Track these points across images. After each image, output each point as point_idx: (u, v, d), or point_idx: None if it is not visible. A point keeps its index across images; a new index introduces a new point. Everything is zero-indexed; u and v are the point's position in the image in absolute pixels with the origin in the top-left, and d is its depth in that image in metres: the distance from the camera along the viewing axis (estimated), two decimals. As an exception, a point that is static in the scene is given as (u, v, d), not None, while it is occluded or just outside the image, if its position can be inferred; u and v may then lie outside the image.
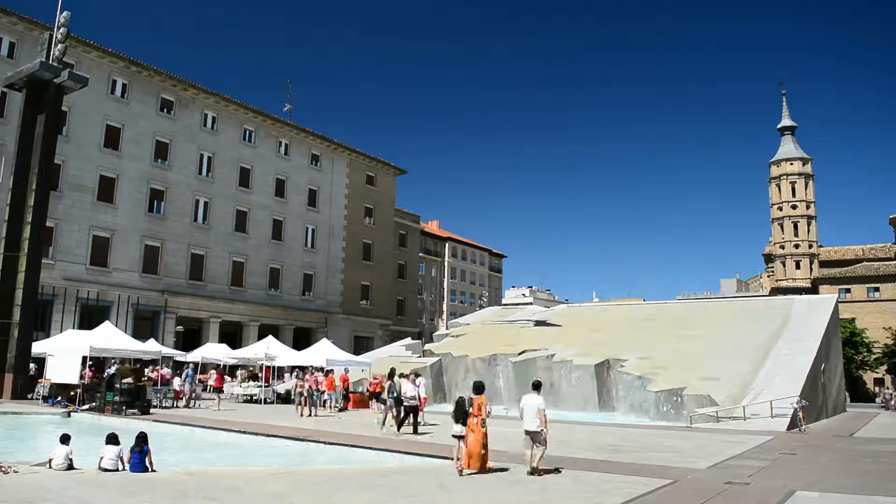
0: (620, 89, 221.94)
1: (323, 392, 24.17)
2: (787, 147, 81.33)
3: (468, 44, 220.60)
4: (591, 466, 11.69)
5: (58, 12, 27.19)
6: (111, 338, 24.83)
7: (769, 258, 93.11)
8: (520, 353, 30.78)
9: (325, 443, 14.97)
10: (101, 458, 10.13)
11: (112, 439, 10.33)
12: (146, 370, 26.34)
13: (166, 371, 27.90)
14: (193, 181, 42.26)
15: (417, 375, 18.78)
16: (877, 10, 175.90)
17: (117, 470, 10.01)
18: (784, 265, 79.46)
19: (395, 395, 17.09)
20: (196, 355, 32.50)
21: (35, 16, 34.63)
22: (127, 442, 10.51)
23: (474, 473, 10.35)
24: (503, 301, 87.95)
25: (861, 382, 67.44)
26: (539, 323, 37.62)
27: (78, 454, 10.42)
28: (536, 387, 10.87)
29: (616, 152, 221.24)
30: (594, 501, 8.55)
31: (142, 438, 10.37)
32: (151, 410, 21.43)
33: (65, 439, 10.30)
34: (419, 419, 17.18)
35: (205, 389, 30.02)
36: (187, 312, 40.41)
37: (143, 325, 37.50)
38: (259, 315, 44.56)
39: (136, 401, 20.85)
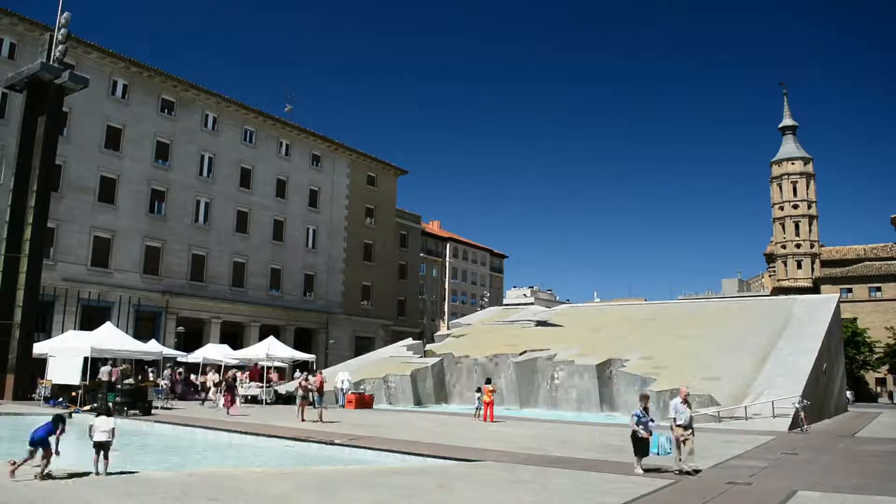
0: (621, 89, 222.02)
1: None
2: (789, 146, 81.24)
3: (469, 44, 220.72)
4: (592, 466, 11.68)
5: (58, 13, 27.22)
6: (112, 338, 24.85)
7: (770, 258, 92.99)
8: (521, 353, 30.77)
9: (325, 443, 14.98)
10: (94, 428, 9.80)
11: (105, 411, 10.36)
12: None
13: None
14: (194, 182, 42.27)
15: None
16: (877, 10, 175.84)
17: (109, 442, 9.72)
18: (785, 265, 79.38)
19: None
20: (197, 356, 32.53)
21: (36, 17, 34.69)
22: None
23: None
24: (504, 301, 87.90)
25: (863, 382, 67.37)
26: (540, 323, 37.64)
27: (81, 455, 10.40)
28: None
29: (616, 152, 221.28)
30: (596, 501, 8.55)
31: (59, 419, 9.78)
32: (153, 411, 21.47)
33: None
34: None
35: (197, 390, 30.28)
36: (188, 313, 40.40)
37: (145, 326, 37.48)
38: (260, 315, 44.54)
39: (138, 401, 20.88)
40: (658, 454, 11.11)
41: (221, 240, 43.27)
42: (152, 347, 27.31)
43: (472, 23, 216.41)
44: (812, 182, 79.64)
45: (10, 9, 33.92)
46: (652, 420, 11.30)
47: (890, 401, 60.65)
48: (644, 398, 11.66)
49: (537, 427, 20.16)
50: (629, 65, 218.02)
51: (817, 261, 78.63)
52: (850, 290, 71.50)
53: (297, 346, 40.19)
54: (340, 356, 45.87)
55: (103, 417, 9.98)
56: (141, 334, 33.42)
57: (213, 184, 43.31)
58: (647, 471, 10.87)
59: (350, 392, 27.93)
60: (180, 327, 38.67)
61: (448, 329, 47.84)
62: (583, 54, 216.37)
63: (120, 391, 21.10)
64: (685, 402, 11.48)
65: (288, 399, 29.03)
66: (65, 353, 24.04)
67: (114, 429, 9.92)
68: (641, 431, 10.94)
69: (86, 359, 23.26)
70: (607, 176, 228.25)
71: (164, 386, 26.95)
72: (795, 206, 78.90)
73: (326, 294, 50.50)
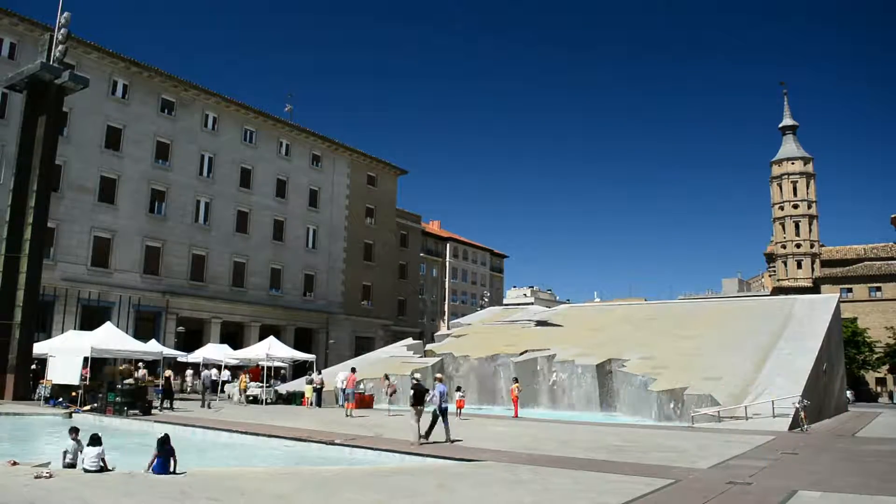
0: (621, 89, 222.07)
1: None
2: (789, 146, 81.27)
3: (469, 43, 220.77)
4: (592, 466, 11.67)
5: (58, 13, 27.21)
6: (112, 338, 24.82)
7: (770, 258, 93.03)
8: (521, 353, 30.74)
9: (325, 443, 14.97)
10: (83, 459, 10.01)
11: (94, 440, 10.19)
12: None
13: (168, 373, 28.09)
14: (194, 182, 42.26)
15: None
16: (877, 10, 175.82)
17: (100, 470, 9.91)
18: (786, 265, 79.38)
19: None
20: (197, 356, 32.52)
21: (36, 17, 34.70)
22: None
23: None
24: (504, 301, 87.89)
25: (863, 382, 67.40)
26: (540, 323, 37.60)
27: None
28: None
29: (617, 152, 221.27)
30: (596, 501, 8.54)
31: (164, 440, 10.26)
32: (153, 411, 21.44)
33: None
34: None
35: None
36: (188, 313, 40.40)
37: (145, 326, 37.47)
38: (260, 315, 44.54)
39: (137, 401, 20.85)
40: None
41: (221, 240, 43.27)
42: (152, 347, 27.29)
43: (472, 22, 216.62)
44: (812, 182, 79.65)
45: (10, 9, 33.93)
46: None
47: (890, 401, 60.99)
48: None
49: (537, 427, 20.14)
50: (629, 65, 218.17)
51: (817, 261, 78.63)
52: (850, 290, 71.50)
53: (297, 346, 40.17)
54: (340, 356, 45.84)
55: (90, 448, 10.09)
56: (141, 334, 33.42)
57: (213, 184, 43.30)
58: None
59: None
60: (180, 327, 38.67)
61: (448, 329, 47.83)
62: (583, 54, 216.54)
63: (120, 391, 21.07)
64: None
65: (288, 399, 29.04)
66: (65, 353, 24.02)
67: (103, 458, 10.09)
68: None
69: (85, 359, 23.25)
70: (607, 176, 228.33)
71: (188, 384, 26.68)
72: (795, 206, 78.92)
73: (326, 294, 50.49)
